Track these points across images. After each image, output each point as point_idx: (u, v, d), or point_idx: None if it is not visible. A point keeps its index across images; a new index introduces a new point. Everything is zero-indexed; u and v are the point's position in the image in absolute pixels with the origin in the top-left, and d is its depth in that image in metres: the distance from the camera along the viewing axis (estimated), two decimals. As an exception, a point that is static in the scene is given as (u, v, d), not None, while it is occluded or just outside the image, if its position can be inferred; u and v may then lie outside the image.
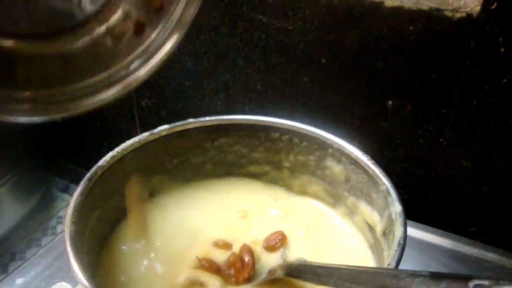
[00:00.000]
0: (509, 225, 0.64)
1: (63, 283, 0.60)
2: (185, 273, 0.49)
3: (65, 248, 0.41)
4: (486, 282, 0.29)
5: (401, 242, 0.41)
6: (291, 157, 0.57)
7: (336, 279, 0.39)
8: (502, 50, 0.55)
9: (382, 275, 0.36)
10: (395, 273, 0.35)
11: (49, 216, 0.99)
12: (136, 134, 0.54)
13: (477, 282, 0.29)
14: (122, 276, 0.49)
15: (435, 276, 0.32)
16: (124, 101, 0.88)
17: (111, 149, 0.52)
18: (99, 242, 0.51)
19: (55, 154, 1.03)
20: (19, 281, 0.63)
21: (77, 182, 0.48)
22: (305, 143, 0.55)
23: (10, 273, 0.70)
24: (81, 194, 0.46)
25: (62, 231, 0.96)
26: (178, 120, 0.56)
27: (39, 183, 1.00)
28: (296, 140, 0.55)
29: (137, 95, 0.86)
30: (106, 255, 0.51)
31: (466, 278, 0.30)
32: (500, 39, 0.55)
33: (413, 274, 0.33)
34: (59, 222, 0.98)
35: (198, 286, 0.48)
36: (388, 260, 0.40)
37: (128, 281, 0.49)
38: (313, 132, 0.54)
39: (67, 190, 1.02)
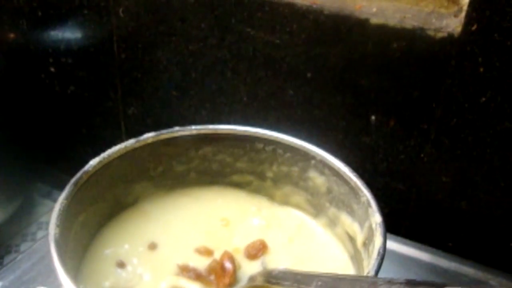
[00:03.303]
0: (485, 240, 0.65)
1: (42, 288, 0.60)
2: (167, 280, 0.49)
3: (49, 251, 0.41)
4: (458, 289, 0.30)
5: (381, 251, 0.42)
6: (274, 168, 0.58)
7: (315, 286, 0.39)
8: (481, 69, 0.56)
9: (361, 282, 0.37)
10: (373, 280, 0.36)
11: (30, 221, 0.99)
12: (122, 142, 0.54)
13: (450, 288, 0.30)
14: (105, 282, 0.49)
15: (411, 283, 0.33)
16: (111, 108, 0.88)
17: (96, 155, 0.52)
18: (82, 246, 0.51)
19: (38, 159, 1.03)
20: (-2, 284, 0.63)
21: (59, 188, 0.48)
22: (288, 154, 0.56)
23: (-13, 278, 0.69)
24: (66, 198, 0.46)
25: (42, 237, 0.96)
26: (163, 128, 0.56)
27: (20, 188, 1.00)
28: (279, 151, 0.56)
29: (123, 103, 0.87)
30: (89, 259, 0.51)
31: (440, 286, 0.31)
32: (480, 59, 0.56)
33: (390, 281, 0.34)
34: (39, 228, 0.98)
35: None
36: (368, 269, 0.41)
37: (110, 287, 0.49)
38: (296, 144, 0.55)
39: (49, 196, 1.01)
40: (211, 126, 0.57)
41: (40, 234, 0.96)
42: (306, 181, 0.56)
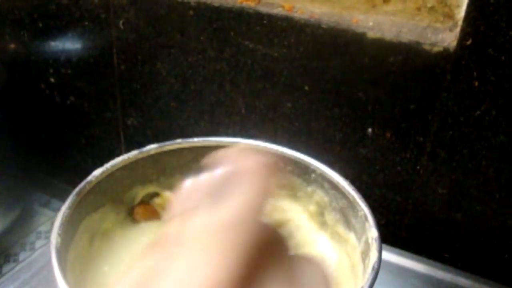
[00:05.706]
0: (481, 251, 0.66)
1: (42, 299, 0.60)
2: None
3: (50, 260, 0.41)
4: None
5: (375, 266, 0.42)
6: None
7: None
8: (476, 83, 0.57)
9: None
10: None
11: (29, 231, 0.99)
12: (121, 152, 0.55)
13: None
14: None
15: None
16: (110, 119, 0.89)
17: (95, 165, 0.52)
18: (83, 257, 0.51)
19: (38, 168, 1.03)
20: (-4, 295, 0.63)
21: (58, 198, 0.48)
22: (289, 168, 0.56)
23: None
24: (69, 207, 0.46)
25: (41, 247, 0.96)
26: (163, 139, 0.56)
27: (19, 198, 1.00)
28: (281, 164, 0.57)
29: (123, 114, 0.87)
30: (88, 274, 0.51)
31: None
32: (475, 73, 0.57)
33: None
34: (38, 238, 0.98)
35: None
36: (362, 283, 0.42)
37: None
38: (297, 157, 0.55)
39: (48, 206, 1.01)
40: (213, 138, 0.57)
41: (39, 243, 0.96)
42: (306, 194, 0.57)
